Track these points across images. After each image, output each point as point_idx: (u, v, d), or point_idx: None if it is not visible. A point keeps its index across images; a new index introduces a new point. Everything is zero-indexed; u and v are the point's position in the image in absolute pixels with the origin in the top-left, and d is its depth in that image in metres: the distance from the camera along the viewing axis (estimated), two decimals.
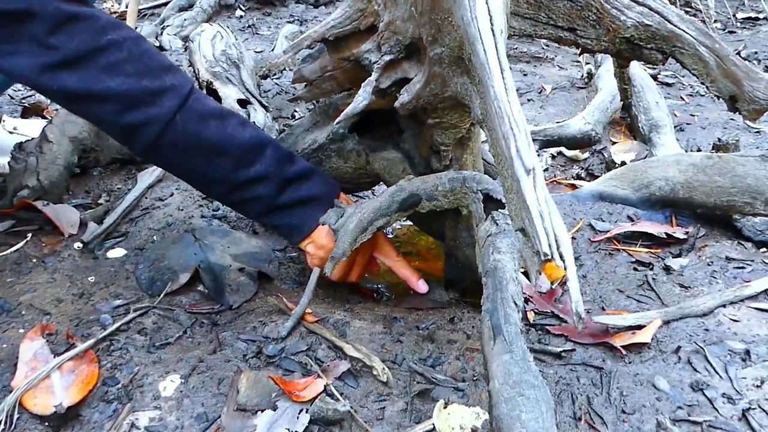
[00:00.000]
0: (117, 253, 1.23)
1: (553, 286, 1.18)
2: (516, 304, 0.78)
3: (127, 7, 2.74)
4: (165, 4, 3.11)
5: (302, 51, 1.06)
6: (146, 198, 1.43)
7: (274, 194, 1.06)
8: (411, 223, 1.33)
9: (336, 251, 1.00)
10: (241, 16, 3.13)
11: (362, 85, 0.95)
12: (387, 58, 0.94)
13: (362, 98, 0.95)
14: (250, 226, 1.36)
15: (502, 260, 0.85)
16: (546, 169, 1.72)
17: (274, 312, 1.08)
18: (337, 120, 0.98)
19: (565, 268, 0.60)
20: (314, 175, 1.10)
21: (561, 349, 1.00)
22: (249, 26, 2.96)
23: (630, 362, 0.98)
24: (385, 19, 0.93)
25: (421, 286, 1.11)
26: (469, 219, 1.03)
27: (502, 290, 0.79)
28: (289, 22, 3.03)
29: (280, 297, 1.11)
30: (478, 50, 0.73)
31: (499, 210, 0.94)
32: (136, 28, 2.47)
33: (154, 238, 1.28)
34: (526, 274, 1.05)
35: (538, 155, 1.80)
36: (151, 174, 1.49)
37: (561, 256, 0.62)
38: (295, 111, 1.99)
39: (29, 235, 1.26)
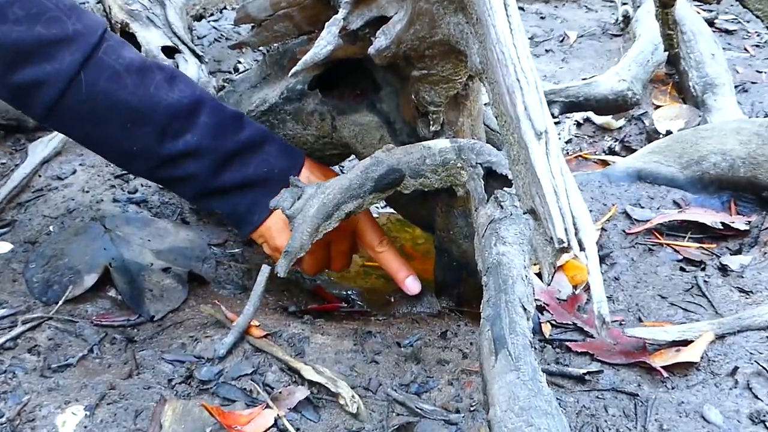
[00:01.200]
0: (0, 248, 1.24)
1: (576, 291, 1.19)
2: (525, 309, 0.79)
3: None
4: None
5: None
6: (40, 176, 1.43)
7: (210, 173, 1.08)
8: (391, 209, 1.35)
9: (291, 244, 1.01)
10: None
11: (326, 25, 0.96)
12: None
13: (326, 43, 0.95)
14: (178, 214, 1.37)
15: (508, 253, 0.86)
16: (569, 141, 1.74)
17: (209, 324, 1.09)
18: (292, 71, 0.98)
19: (586, 259, 0.60)
20: (268, 144, 1.12)
21: (585, 371, 1.01)
22: None
23: (673, 387, 0.99)
24: None
25: (410, 285, 1.14)
26: (466, 202, 1.04)
27: (506, 292, 0.80)
28: None
29: (218, 305, 1.11)
30: None
31: (505, 189, 0.94)
32: None
33: (51, 228, 1.28)
34: (541, 276, 1.07)
35: (558, 122, 1.82)
36: (46, 145, 1.49)
37: (580, 244, 0.62)
38: (239, 62, 2.00)
39: None
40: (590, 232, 0.63)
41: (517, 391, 0.69)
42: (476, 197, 0.98)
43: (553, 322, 1.12)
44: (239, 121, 1.10)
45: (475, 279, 0.94)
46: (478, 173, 0.99)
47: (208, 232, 1.31)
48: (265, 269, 1.08)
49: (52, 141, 1.49)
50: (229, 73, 1.93)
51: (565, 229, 0.62)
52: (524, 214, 0.69)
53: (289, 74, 1.00)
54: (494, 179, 0.98)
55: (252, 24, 1.12)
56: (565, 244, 0.62)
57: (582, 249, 0.62)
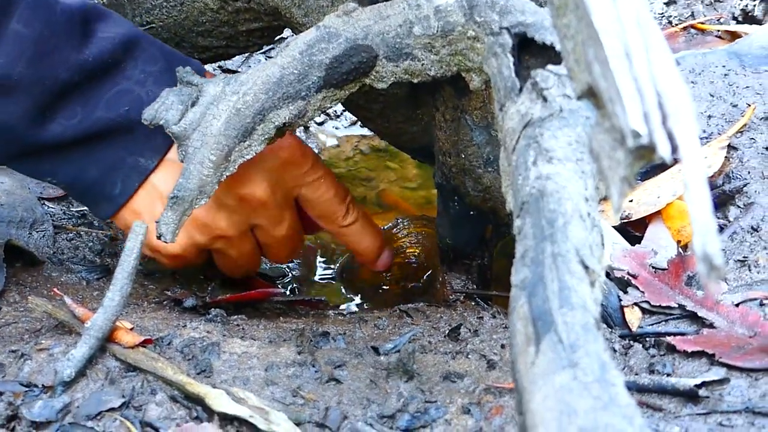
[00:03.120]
0: None
1: (685, 253, 1.13)
2: (586, 267, 0.72)
3: None
4: None
5: None
6: None
7: (31, 121, 1.00)
8: (358, 126, 1.38)
9: (183, 183, 0.96)
10: None
11: None
12: None
13: None
14: None
15: (557, 176, 0.79)
16: (671, 0, 1.75)
17: (45, 329, 1.05)
18: None
19: (682, 163, 0.54)
20: (133, 59, 1.03)
21: (699, 381, 0.96)
22: None
23: None
24: None
25: (386, 261, 1.16)
26: (486, 99, 1.03)
27: (554, 239, 0.73)
28: None
29: (59, 296, 1.06)
30: None
31: (550, 67, 0.86)
32: None
33: None
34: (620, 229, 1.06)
35: None
36: None
37: (671, 137, 0.55)
38: None
39: None
40: (688, 117, 0.56)
41: (573, 401, 0.60)
42: (501, 87, 0.89)
43: (645, 306, 1.07)
44: (82, 24, 1.00)
45: (507, 239, 1.00)
46: (503, 45, 0.90)
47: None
48: (139, 228, 0.99)
49: None
50: None
51: (644, 114, 0.56)
52: (578, 98, 0.62)
53: None
54: (532, 54, 0.91)
55: None
56: (645, 140, 0.55)
57: (674, 148, 0.55)
